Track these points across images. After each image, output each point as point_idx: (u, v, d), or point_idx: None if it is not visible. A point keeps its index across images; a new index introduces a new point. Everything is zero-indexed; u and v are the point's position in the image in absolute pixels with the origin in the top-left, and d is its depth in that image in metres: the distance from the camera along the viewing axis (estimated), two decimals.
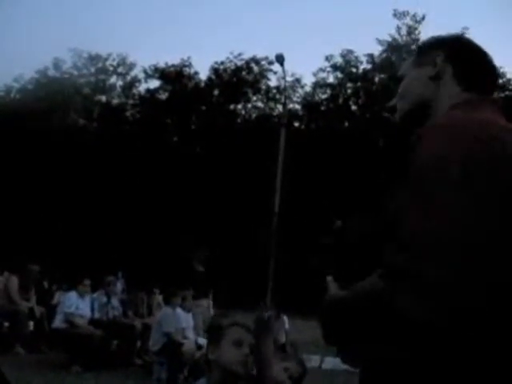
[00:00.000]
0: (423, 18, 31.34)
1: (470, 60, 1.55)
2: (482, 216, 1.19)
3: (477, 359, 1.15)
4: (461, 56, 1.54)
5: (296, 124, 32.03)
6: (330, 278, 1.49)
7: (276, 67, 28.88)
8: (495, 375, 1.17)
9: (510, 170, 1.25)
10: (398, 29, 31.68)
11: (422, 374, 1.18)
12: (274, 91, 33.37)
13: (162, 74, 33.78)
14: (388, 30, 33.48)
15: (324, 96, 33.55)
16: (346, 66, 32.67)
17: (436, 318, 1.15)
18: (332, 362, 9.97)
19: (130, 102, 35.16)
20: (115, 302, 10.47)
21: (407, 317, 1.16)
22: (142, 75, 34.76)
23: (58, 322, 9.47)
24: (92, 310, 9.97)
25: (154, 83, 34.39)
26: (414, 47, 26.49)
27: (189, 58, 33.43)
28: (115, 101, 35.11)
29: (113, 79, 35.26)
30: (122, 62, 34.89)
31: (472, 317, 1.15)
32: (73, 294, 9.73)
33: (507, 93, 30.30)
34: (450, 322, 1.14)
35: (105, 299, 10.23)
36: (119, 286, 12.60)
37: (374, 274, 1.26)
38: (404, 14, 31.45)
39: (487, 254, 1.17)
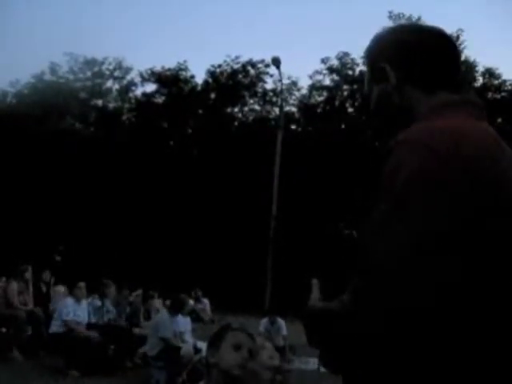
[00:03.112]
0: (418, 20, 31.44)
1: (420, 59, 1.45)
2: (433, 235, 1.18)
3: (435, 367, 1.19)
4: (408, 59, 1.46)
5: (293, 127, 32.09)
6: (315, 281, 1.51)
7: (272, 70, 29.03)
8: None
9: (465, 181, 1.21)
10: None
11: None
12: (271, 94, 33.44)
13: (159, 77, 33.81)
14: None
15: (320, 98, 33.62)
16: (342, 69, 32.74)
17: (383, 333, 1.18)
18: None
19: (127, 105, 35.18)
20: (109, 305, 10.45)
21: (360, 333, 1.20)
22: (138, 79, 34.85)
23: (55, 327, 9.45)
24: (88, 313, 9.96)
25: (151, 87, 34.48)
26: None
27: (185, 61, 33.53)
28: (111, 105, 35.13)
29: (109, 83, 35.31)
30: (119, 66, 34.93)
31: (432, 329, 1.17)
32: (69, 301, 9.71)
33: (503, 94, 30.37)
34: (399, 336, 1.18)
35: (99, 303, 10.20)
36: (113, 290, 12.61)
37: (345, 294, 1.27)
38: (399, 16, 31.56)
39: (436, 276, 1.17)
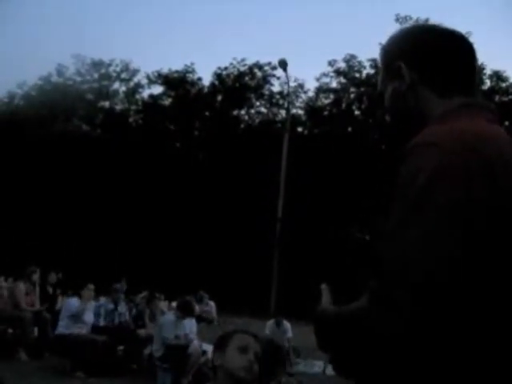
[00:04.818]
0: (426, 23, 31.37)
1: (435, 61, 1.45)
2: (446, 238, 1.17)
3: (447, 369, 1.19)
4: (423, 60, 1.46)
5: (299, 129, 32.06)
6: (324, 286, 1.50)
7: (279, 72, 29.06)
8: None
9: (484, 183, 1.21)
10: None
11: None
12: (277, 96, 33.43)
13: (166, 79, 33.87)
14: (390, 34, 33.51)
15: (327, 101, 33.57)
16: (349, 71, 32.70)
17: (408, 342, 1.17)
18: None
19: (133, 107, 35.24)
20: (122, 308, 10.50)
21: (384, 340, 1.19)
22: (145, 81, 34.90)
23: (61, 328, 9.48)
24: (98, 316, 9.99)
25: (157, 89, 34.53)
26: None
27: (192, 63, 33.57)
28: (118, 107, 35.20)
29: (116, 85, 35.38)
30: (125, 67, 35.01)
31: (439, 332, 1.17)
32: (75, 300, 9.75)
33: (510, 97, 30.28)
34: (421, 343, 1.17)
35: (112, 306, 10.26)
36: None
37: (362, 298, 1.26)
38: (406, 19, 31.49)
39: (454, 278, 1.16)
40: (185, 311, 9.10)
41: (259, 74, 33.52)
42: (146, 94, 34.89)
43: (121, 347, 9.96)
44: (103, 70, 34.79)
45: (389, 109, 1.55)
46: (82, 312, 9.53)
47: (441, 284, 1.15)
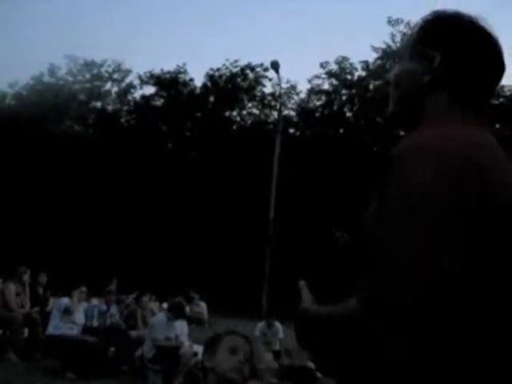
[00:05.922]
0: None
1: (472, 66, 1.38)
2: (446, 240, 1.16)
3: (443, 374, 1.16)
4: (461, 61, 1.38)
5: (291, 131, 32.10)
6: (302, 283, 1.48)
7: (271, 74, 29.06)
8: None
9: (471, 191, 1.20)
10: (393, 36, 31.89)
11: None
12: (269, 98, 33.46)
13: (158, 80, 33.83)
14: (382, 37, 33.65)
15: (319, 103, 33.64)
16: (340, 73, 32.77)
17: (402, 343, 1.15)
18: None
19: (125, 108, 35.18)
20: (114, 310, 10.51)
21: (378, 341, 1.17)
22: (137, 82, 34.88)
23: (51, 329, 9.45)
24: (91, 317, 9.99)
25: (150, 89, 34.50)
26: None
27: (184, 64, 33.57)
28: (110, 107, 35.13)
29: (108, 86, 35.34)
30: (118, 68, 34.97)
31: (435, 338, 1.15)
32: (66, 299, 9.75)
33: (501, 99, 30.38)
34: (416, 348, 1.15)
35: (104, 307, 10.27)
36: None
37: (351, 299, 1.24)
38: (398, 22, 31.64)
39: (449, 279, 1.15)
40: (176, 313, 9.09)
41: (251, 75, 33.58)
42: (138, 94, 34.95)
43: (112, 348, 9.93)
44: (95, 71, 34.73)
45: (394, 83, 1.47)
46: (72, 309, 9.51)
47: (441, 288, 1.14)
